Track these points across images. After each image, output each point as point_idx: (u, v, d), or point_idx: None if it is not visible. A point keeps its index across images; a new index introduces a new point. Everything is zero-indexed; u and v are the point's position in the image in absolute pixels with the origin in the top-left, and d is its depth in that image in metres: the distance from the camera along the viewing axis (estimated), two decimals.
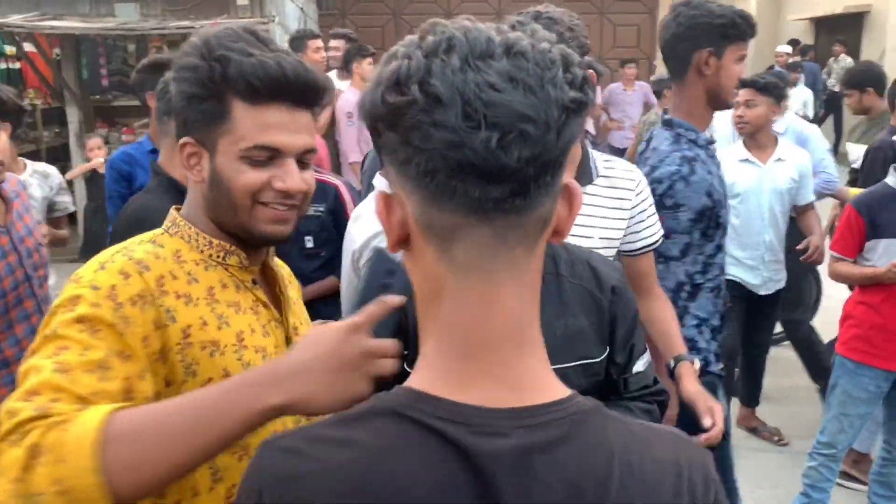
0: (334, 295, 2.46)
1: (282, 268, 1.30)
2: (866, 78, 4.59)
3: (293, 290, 1.32)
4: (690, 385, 1.83)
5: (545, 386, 0.69)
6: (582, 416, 0.66)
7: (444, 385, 0.65)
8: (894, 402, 2.87)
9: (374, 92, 0.65)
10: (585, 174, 1.78)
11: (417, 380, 0.67)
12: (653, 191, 1.98)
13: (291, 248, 2.79)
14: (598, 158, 1.84)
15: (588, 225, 1.76)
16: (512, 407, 0.65)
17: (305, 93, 1.09)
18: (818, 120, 10.08)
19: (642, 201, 1.86)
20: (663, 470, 0.66)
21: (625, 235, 1.85)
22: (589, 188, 1.77)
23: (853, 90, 4.57)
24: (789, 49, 10.94)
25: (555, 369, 1.40)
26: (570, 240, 1.67)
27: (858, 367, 2.78)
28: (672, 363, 1.91)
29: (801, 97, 8.99)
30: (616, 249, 1.85)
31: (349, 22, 11.58)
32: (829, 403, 2.92)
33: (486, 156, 0.60)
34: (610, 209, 1.80)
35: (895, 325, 2.70)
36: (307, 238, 2.75)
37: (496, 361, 0.66)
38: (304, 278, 2.78)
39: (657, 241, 1.93)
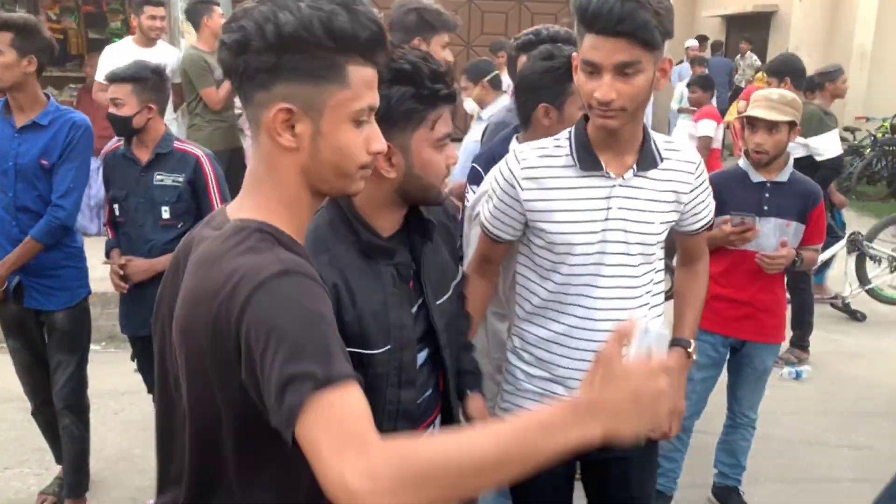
0: None
1: None
2: (786, 67, 4.76)
3: None
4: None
5: (248, 212, 1.08)
6: (232, 229, 1.05)
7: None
8: (735, 369, 3.06)
9: None
10: (649, 159, 1.74)
11: None
12: None
13: (146, 217, 2.74)
14: (660, 142, 1.79)
15: (650, 210, 1.73)
16: (228, 216, 1.10)
17: None
18: (723, 114, 10.43)
19: (701, 183, 1.82)
20: (221, 271, 0.99)
21: (685, 218, 1.85)
22: (652, 173, 1.74)
23: (773, 78, 4.74)
24: (696, 44, 11.30)
25: (440, 305, 1.60)
26: (631, 225, 1.73)
27: (701, 333, 2.93)
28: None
29: None
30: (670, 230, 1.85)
31: None
32: None
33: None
34: (669, 192, 1.77)
35: (732, 294, 2.89)
36: (164, 208, 2.70)
37: (240, 195, 1.13)
38: (157, 250, 2.75)
39: (711, 220, 1.93)
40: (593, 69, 1.57)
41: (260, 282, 0.95)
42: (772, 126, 2.77)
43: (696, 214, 1.86)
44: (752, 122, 2.83)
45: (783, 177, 2.89)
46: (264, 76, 1.01)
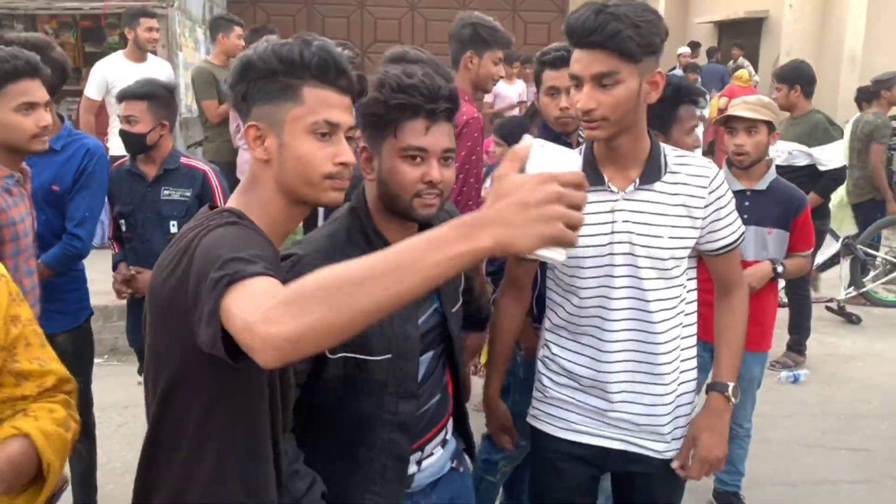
0: None
1: None
2: (797, 75, 4.65)
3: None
4: (703, 421, 1.80)
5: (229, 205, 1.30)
6: (207, 214, 1.25)
7: None
8: None
9: None
10: (653, 172, 1.71)
11: None
12: None
13: (154, 232, 2.78)
14: (671, 154, 1.75)
15: (657, 224, 1.71)
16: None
17: None
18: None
19: (718, 199, 1.74)
20: (186, 240, 1.18)
21: (703, 235, 1.76)
22: (656, 185, 1.71)
23: (783, 84, 4.66)
24: (689, 50, 11.39)
25: (454, 312, 1.68)
26: (637, 238, 1.71)
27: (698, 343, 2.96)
28: (706, 387, 1.86)
29: None
30: (691, 249, 1.77)
31: (260, 9, 11.38)
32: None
33: None
34: (678, 206, 1.72)
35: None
36: (171, 223, 2.74)
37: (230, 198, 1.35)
38: None
39: (737, 240, 1.81)
40: (577, 82, 1.63)
41: (208, 229, 1.17)
42: (750, 127, 2.82)
43: (712, 233, 1.77)
44: (730, 126, 2.88)
45: (763, 185, 2.92)
46: (244, 104, 1.28)
